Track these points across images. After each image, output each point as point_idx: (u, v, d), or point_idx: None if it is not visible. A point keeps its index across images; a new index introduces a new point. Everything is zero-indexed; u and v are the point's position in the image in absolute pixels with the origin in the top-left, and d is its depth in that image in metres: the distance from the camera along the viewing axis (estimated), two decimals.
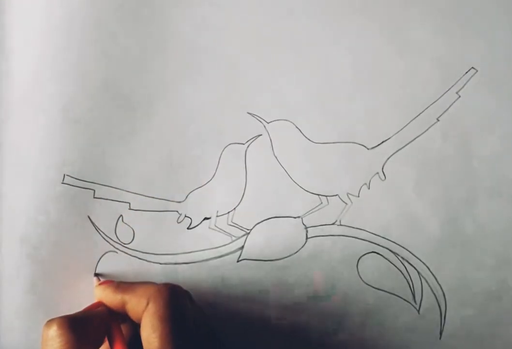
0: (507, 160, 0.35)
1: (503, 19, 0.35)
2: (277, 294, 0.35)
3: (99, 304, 0.31)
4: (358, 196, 0.35)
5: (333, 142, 0.35)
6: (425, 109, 0.35)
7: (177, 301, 0.29)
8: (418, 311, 0.35)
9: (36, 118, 0.34)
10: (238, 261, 0.35)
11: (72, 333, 0.28)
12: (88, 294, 0.34)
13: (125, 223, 0.35)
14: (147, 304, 0.29)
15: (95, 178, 0.35)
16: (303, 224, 0.35)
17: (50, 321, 0.29)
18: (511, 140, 0.35)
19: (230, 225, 0.35)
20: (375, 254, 0.35)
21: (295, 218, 0.35)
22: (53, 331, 0.28)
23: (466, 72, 0.35)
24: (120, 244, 0.35)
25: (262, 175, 0.35)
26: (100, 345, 0.30)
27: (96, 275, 0.34)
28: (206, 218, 0.35)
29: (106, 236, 0.35)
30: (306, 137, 0.35)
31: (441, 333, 0.35)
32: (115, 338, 0.30)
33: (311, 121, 0.35)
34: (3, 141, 0.35)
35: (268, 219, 0.35)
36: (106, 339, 0.30)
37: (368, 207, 0.35)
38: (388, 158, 0.35)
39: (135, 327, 0.31)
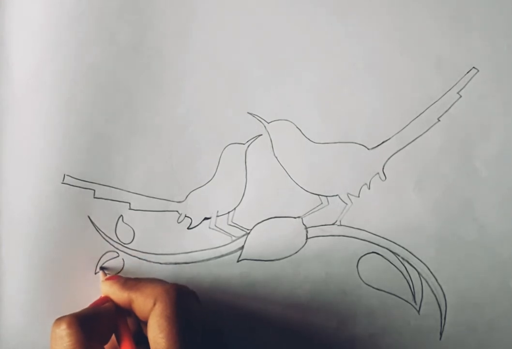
0: (508, 161, 0.35)
1: (504, 19, 0.35)
2: (277, 294, 0.35)
3: (107, 299, 0.31)
4: (359, 196, 0.35)
5: (334, 143, 0.35)
6: (426, 109, 0.35)
7: (184, 302, 0.29)
8: (418, 311, 0.35)
9: (36, 118, 0.34)
10: (238, 261, 0.35)
11: (81, 332, 0.28)
12: (88, 294, 0.34)
13: (125, 223, 0.35)
14: (154, 304, 0.29)
15: (95, 178, 0.35)
16: (303, 224, 0.35)
17: (59, 320, 0.29)
18: None
19: (230, 225, 0.35)
20: (375, 254, 0.35)
21: (295, 218, 0.35)
22: (62, 330, 0.28)
23: (468, 72, 0.35)
24: (120, 244, 0.35)
25: (262, 175, 0.35)
26: (108, 341, 0.30)
27: (102, 269, 0.34)
28: (206, 218, 0.35)
29: (106, 236, 0.35)
30: (306, 137, 0.35)
31: (441, 334, 0.35)
32: (122, 333, 0.30)
33: (311, 121, 0.35)
34: (3, 141, 0.35)
35: (268, 219, 0.35)
36: (113, 334, 0.30)
37: (369, 207, 0.35)
38: (388, 159, 0.35)
39: (140, 321, 0.31)
